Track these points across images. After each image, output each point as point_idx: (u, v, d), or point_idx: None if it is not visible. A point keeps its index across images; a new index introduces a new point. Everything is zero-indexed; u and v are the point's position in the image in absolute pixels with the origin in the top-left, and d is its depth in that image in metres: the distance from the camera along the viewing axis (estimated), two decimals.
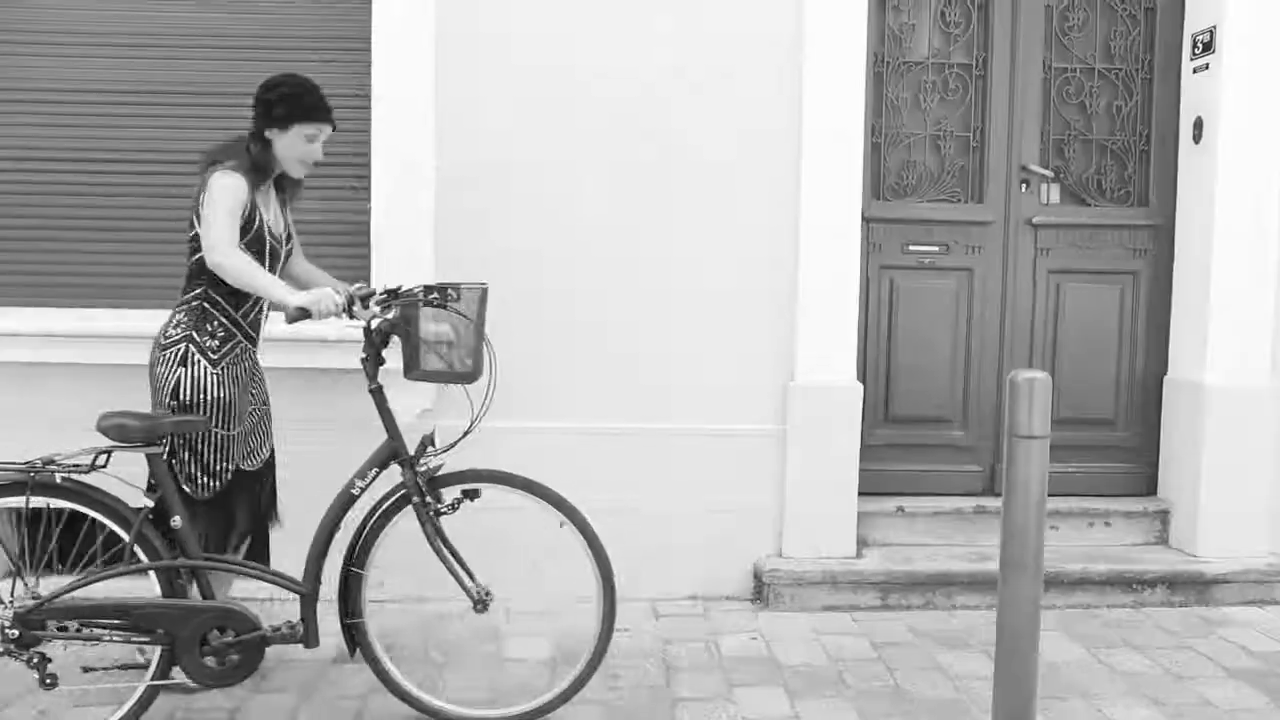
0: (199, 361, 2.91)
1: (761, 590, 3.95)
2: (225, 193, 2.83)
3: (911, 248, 4.32)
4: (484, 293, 2.84)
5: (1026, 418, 2.25)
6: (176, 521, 2.76)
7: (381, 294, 2.84)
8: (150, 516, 2.74)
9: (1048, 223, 4.34)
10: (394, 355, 2.94)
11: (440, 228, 3.93)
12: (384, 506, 2.90)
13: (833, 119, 3.95)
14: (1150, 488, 4.43)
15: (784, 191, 3.98)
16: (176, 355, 2.91)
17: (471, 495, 2.90)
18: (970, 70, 4.32)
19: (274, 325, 3.84)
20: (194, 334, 2.92)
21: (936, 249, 4.32)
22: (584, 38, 3.94)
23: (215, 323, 2.95)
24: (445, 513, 2.88)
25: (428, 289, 2.77)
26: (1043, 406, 2.24)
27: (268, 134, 2.94)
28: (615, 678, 3.28)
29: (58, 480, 2.67)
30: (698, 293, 3.99)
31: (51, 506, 2.74)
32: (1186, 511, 4.19)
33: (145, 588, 2.79)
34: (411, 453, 2.86)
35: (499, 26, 3.92)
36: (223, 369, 2.95)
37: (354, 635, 2.92)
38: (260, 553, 3.18)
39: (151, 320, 3.81)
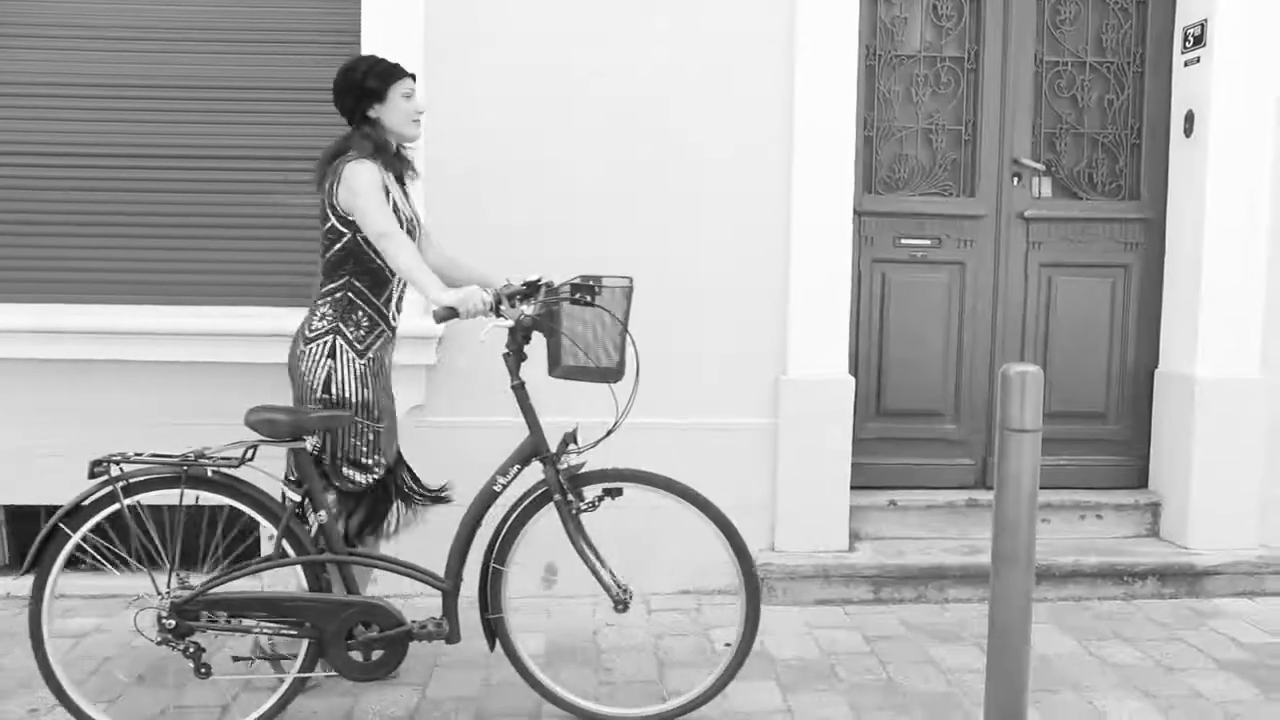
0: (346, 353, 2.94)
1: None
2: (368, 181, 2.87)
3: (903, 241, 4.31)
4: (629, 288, 2.80)
5: (1018, 411, 2.25)
6: (322, 516, 2.79)
7: (521, 285, 2.85)
8: (297, 511, 2.77)
9: (1039, 216, 4.34)
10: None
11: (430, 222, 3.91)
12: (525, 503, 2.89)
13: (825, 112, 3.95)
14: (1141, 480, 4.44)
15: (776, 186, 3.98)
16: (324, 348, 2.93)
17: (613, 494, 2.87)
18: (962, 63, 4.31)
19: (239, 320, 3.85)
20: (340, 325, 2.95)
21: (928, 242, 4.32)
22: (579, 35, 3.92)
23: (360, 313, 2.97)
24: (585, 510, 2.85)
25: (574, 285, 2.75)
26: (1034, 400, 2.24)
27: (371, 113, 2.99)
28: (608, 671, 3.28)
29: (210, 474, 2.71)
30: (691, 287, 3.98)
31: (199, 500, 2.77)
32: (1177, 504, 4.21)
33: (289, 581, 2.86)
34: (553, 450, 2.85)
35: (490, 24, 3.90)
36: (368, 360, 2.98)
37: (495, 630, 2.90)
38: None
39: (156, 316, 3.85)
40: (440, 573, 2.86)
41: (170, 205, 3.99)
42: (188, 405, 3.89)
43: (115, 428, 3.88)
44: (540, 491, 2.87)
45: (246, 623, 2.74)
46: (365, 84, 2.96)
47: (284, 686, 2.77)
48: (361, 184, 2.85)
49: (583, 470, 2.87)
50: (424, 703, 3.08)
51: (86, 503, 2.69)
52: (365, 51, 3.83)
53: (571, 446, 2.86)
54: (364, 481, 2.99)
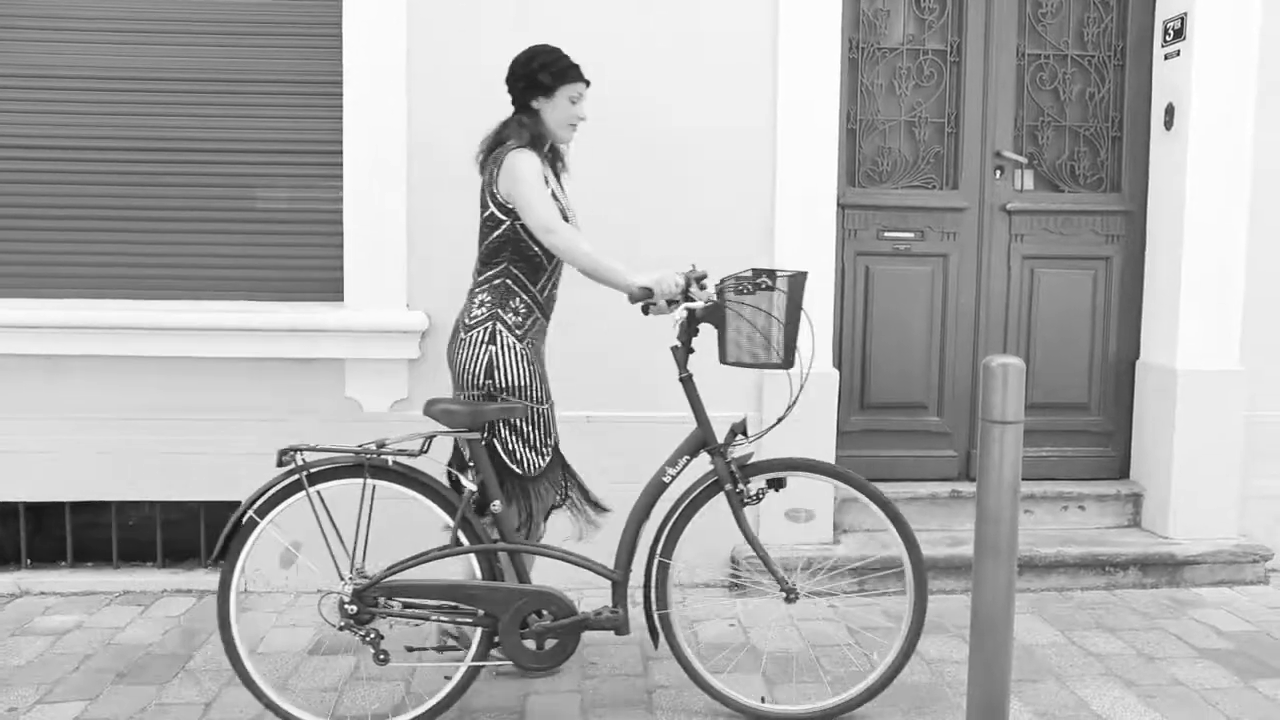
0: (506, 338, 2.94)
1: (739, 577, 3.96)
2: (531, 170, 2.87)
3: (887, 234, 4.32)
4: (804, 279, 2.81)
5: (1000, 403, 2.26)
6: (497, 506, 2.81)
7: (702, 273, 2.87)
8: (472, 501, 2.78)
9: (1022, 209, 4.36)
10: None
11: (414, 217, 3.90)
12: (692, 496, 2.88)
13: (808, 105, 3.95)
14: (1123, 471, 4.47)
15: (759, 179, 3.97)
16: (485, 334, 2.94)
17: (777, 485, 2.88)
18: (945, 56, 4.32)
19: (219, 315, 3.83)
20: (499, 311, 2.96)
21: (912, 235, 4.33)
22: (560, 31, 3.90)
23: (518, 299, 2.98)
24: (750, 502, 2.86)
25: (755, 271, 2.77)
26: (1016, 392, 2.25)
27: (534, 104, 2.99)
28: (592, 665, 3.28)
29: (390, 464, 2.73)
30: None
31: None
32: (1158, 494, 4.24)
33: (464, 570, 2.89)
34: (721, 441, 2.86)
35: (471, 20, 3.88)
36: (526, 344, 2.98)
37: (660, 626, 2.88)
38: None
39: (136, 311, 3.81)
40: (605, 564, 2.88)
41: (148, 199, 3.95)
42: (171, 401, 3.87)
43: (100, 424, 3.86)
44: (708, 483, 2.87)
45: (424, 610, 2.76)
46: (537, 75, 2.97)
47: (458, 675, 2.79)
48: (521, 174, 2.86)
49: (750, 461, 2.88)
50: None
51: (273, 491, 2.74)
52: (347, 42, 3.81)
53: (739, 438, 2.86)
54: (539, 464, 2.99)
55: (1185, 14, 4.12)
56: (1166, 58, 4.26)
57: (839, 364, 4.22)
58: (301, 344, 3.84)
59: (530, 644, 2.77)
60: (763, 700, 2.94)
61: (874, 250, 4.31)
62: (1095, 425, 4.47)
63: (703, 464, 2.89)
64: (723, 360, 2.86)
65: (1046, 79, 4.37)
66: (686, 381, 2.89)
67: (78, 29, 3.90)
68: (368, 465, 2.73)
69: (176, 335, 3.80)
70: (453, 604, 2.76)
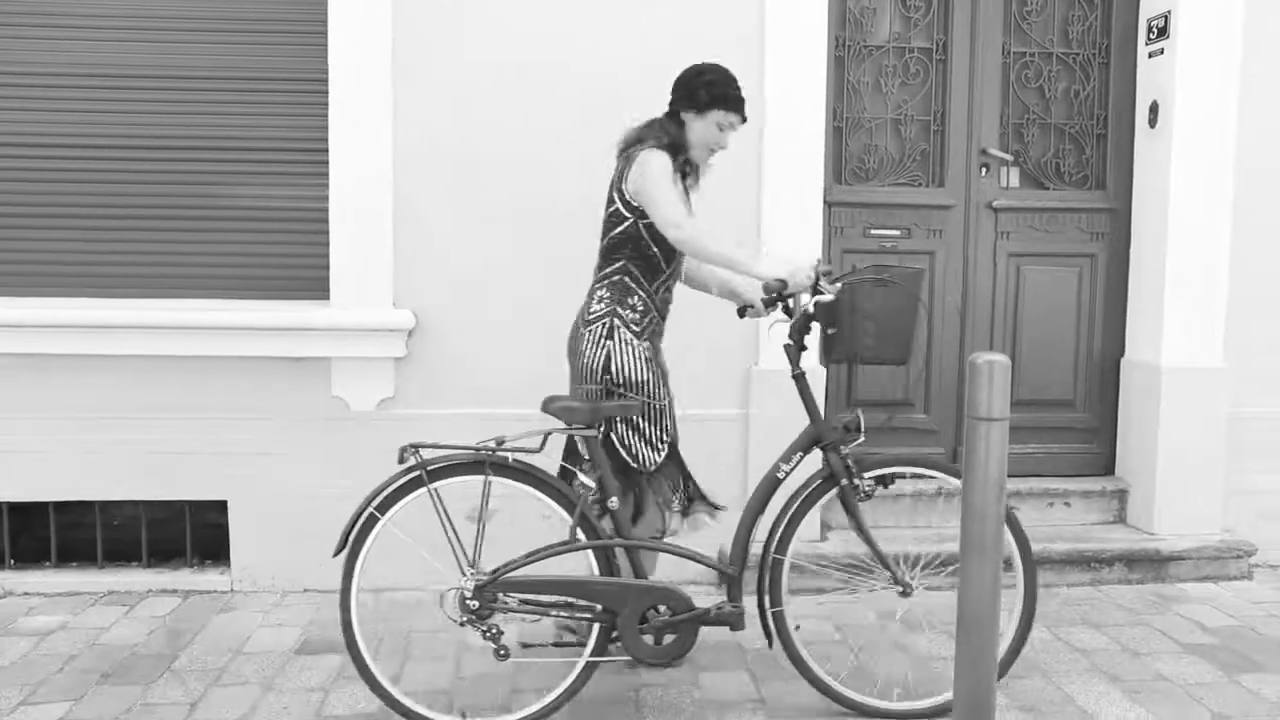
0: (624, 334, 2.97)
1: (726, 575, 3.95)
2: (662, 169, 2.90)
3: (873, 232, 4.33)
4: (921, 275, 2.86)
5: (986, 400, 2.26)
6: (614, 502, 2.83)
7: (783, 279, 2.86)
8: (595, 498, 2.81)
9: (1007, 206, 4.37)
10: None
11: (400, 216, 3.88)
12: (806, 492, 2.90)
13: (794, 103, 3.95)
14: (1108, 467, 4.49)
15: (746, 176, 3.97)
16: (603, 330, 2.98)
17: (886, 480, 2.91)
18: (930, 54, 4.33)
19: (204, 314, 3.81)
20: (617, 308, 2.99)
21: (898, 233, 4.34)
22: (547, 31, 3.90)
23: (635, 297, 3.01)
24: (863, 498, 2.89)
25: (875, 268, 2.81)
26: (1002, 388, 2.25)
27: (684, 116, 3.02)
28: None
29: (510, 461, 2.76)
30: None
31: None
32: (1143, 491, 4.26)
33: (579, 565, 2.90)
34: (834, 438, 2.89)
35: (456, 19, 3.87)
36: (644, 341, 3.01)
37: (774, 623, 2.89)
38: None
39: (142, 310, 3.78)
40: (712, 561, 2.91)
41: (133, 197, 3.93)
42: (156, 400, 3.85)
43: (84, 424, 3.84)
44: (822, 480, 2.89)
45: (542, 606, 2.78)
46: (698, 90, 3.00)
47: (576, 670, 2.80)
48: (652, 172, 2.89)
49: (864, 457, 2.91)
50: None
51: (393, 488, 2.76)
52: (333, 40, 3.80)
53: (851, 435, 2.89)
54: (655, 460, 3.00)
55: (1169, 12, 4.14)
56: (1150, 56, 4.28)
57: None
58: (287, 342, 3.83)
59: (648, 639, 2.78)
60: (896, 696, 2.95)
61: (861, 248, 4.31)
62: (1081, 422, 4.49)
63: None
64: (829, 359, 2.89)
65: (1032, 77, 4.38)
66: (800, 379, 2.92)
67: (61, 26, 3.87)
68: (488, 462, 2.75)
69: (161, 334, 3.78)
70: (571, 600, 2.78)
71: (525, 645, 2.90)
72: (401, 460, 2.73)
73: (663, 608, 2.78)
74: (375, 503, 2.76)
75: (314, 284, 3.96)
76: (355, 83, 3.81)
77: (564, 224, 3.94)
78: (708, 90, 3.00)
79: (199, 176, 3.93)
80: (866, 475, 2.88)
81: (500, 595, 2.75)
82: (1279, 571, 4.24)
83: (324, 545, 3.88)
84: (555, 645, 2.94)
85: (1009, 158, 4.36)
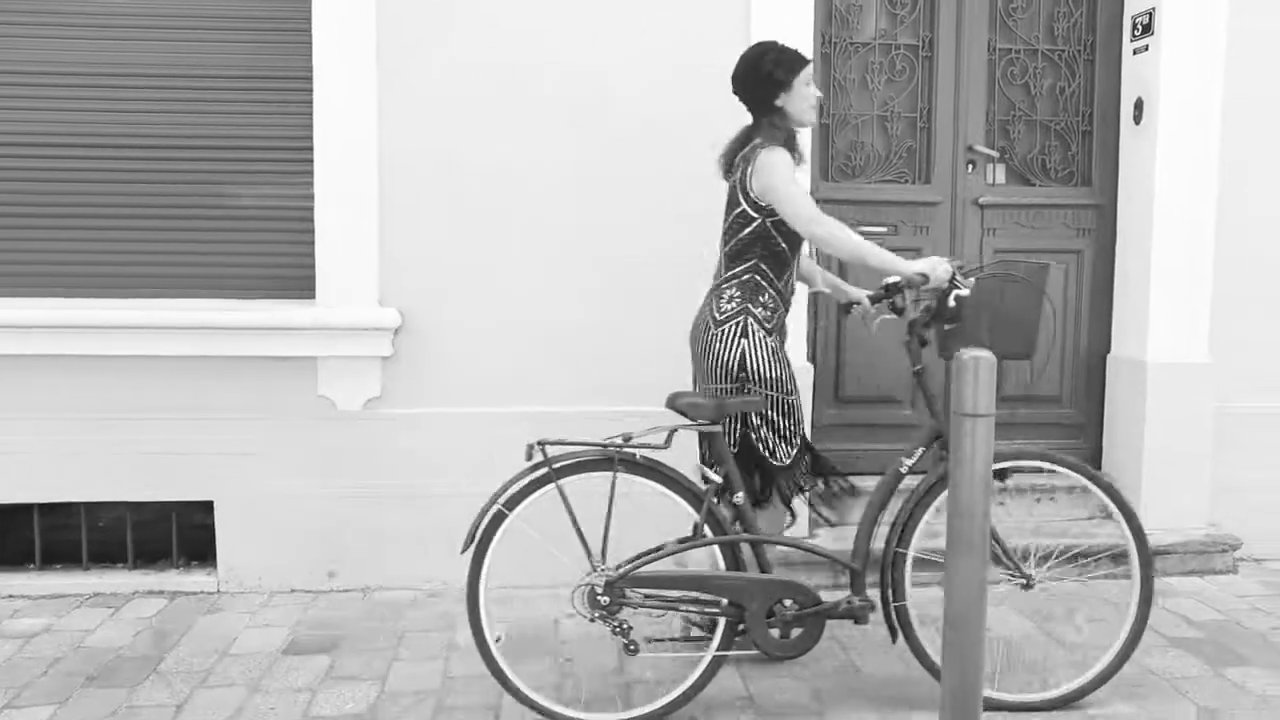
0: (756, 332, 3.01)
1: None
2: (785, 167, 2.95)
3: (861, 228, 4.29)
4: (1049, 270, 2.91)
5: (972, 396, 2.26)
6: (740, 498, 2.86)
7: (895, 282, 2.93)
8: (716, 493, 2.84)
9: (994, 203, 4.38)
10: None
11: (386, 214, 3.87)
12: (928, 486, 2.93)
13: None
14: (1095, 463, 4.50)
15: None
16: (736, 329, 3.01)
17: (1001, 475, 2.97)
18: (917, 51, 4.33)
19: (189, 313, 3.79)
20: (749, 306, 3.03)
21: (885, 230, 4.34)
22: (533, 28, 3.89)
23: (765, 294, 3.06)
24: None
25: (1005, 265, 2.86)
26: (988, 385, 2.25)
27: (778, 102, 3.04)
28: (568, 661, 3.27)
29: (638, 458, 2.79)
30: (649, 277, 3.97)
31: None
32: (1129, 486, 4.27)
33: (706, 561, 2.96)
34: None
35: (444, 16, 3.85)
36: (774, 337, 3.06)
37: (897, 617, 2.91)
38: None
39: (126, 310, 3.76)
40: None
41: (117, 196, 3.91)
42: (140, 401, 3.83)
43: (68, 425, 3.81)
44: (941, 473, 2.90)
45: (670, 601, 2.80)
46: (775, 75, 3.01)
47: (703, 665, 2.82)
48: (777, 171, 2.93)
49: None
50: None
51: (520, 485, 2.79)
52: (317, 38, 3.78)
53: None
54: (789, 453, 3.05)
55: (1153, 9, 4.16)
56: (1135, 52, 4.29)
57: (813, 358, 4.23)
58: (273, 342, 3.81)
59: (775, 633, 2.82)
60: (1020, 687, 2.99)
61: None
62: (1067, 418, 4.50)
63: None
64: (948, 354, 2.88)
65: (1017, 73, 4.39)
66: (920, 374, 2.97)
67: (43, 25, 3.84)
68: (617, 459, 2.77)
69: (146, 334, 3.76)
70: (698, 595, 2.80)
71: (649, 640, 2.91)
72: (529, 457, 2.75)
73: (789, 601, 2.81)
74: (503, 499, 2.78)
75: (300, 283, 3.94)
76: (340, 81, 3.80)
77: (552, 223, 3.93)
78: (782, 66, 3.03)
79: (183, 176, 3.91)
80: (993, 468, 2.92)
81: (628, 590, 2.77)
82: (1264, 565, 4.25)
83: (311, 545, 3.90)
84: (683, 640, 3.00)
85: (995, 154, 4.37)
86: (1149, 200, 4.19)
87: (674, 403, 2.87)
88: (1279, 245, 4.27)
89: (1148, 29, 4.20)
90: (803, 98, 3.05)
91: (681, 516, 2.87)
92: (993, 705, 2.88)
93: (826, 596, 2.89)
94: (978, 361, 2.25)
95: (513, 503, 2.79)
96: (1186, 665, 3.26)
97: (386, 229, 3.87)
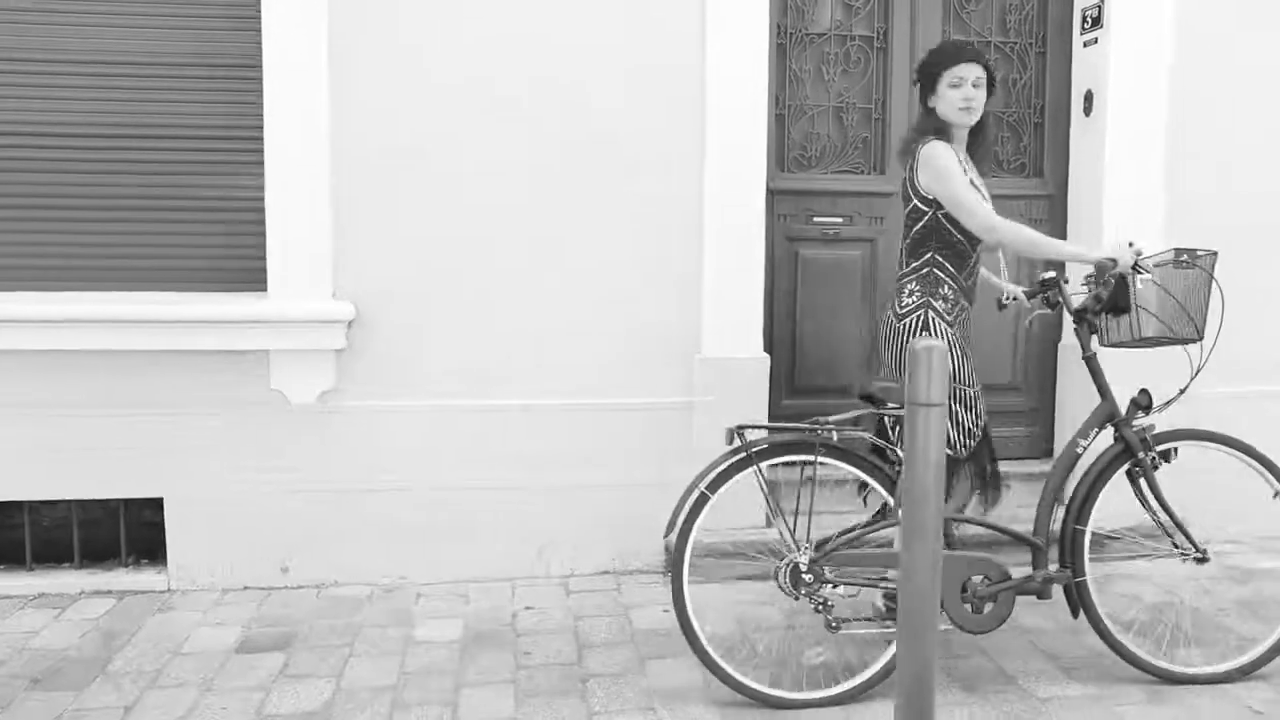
0: (939, 325, 3.08)
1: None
2: (949, 161, 3.02)
3: (816, 219, 4.35)
4: (1216, 257, 2.98)
5: (925, 385, 2.27)
6: None
7: (1051, 277, 3.09)
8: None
9: None
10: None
11: (340, 204, 3.81)
12: (1104, 465, 3.05)
13: (737, 91, 3.95)
14: (1048, 450, 4.57)
15: (689, 164, 3.97)
16: (917, 322, 3.09)
17: (1167, 455, 3.07)
18: (871, 43, 4.35)
19: (137, 307, 3.71)
20: (930, 300, 3.10)
21: (841, 220, 4.36)
22: (484, 19, 3.85)
23: (945, 287, 3.12)
24: (1156, 468, 3.05)
25: (1177, 252, 2.96)
26: (940, 374, 2.26)
27: (930, 103, 3.15)
28: (526, 655, 3.25)
29: (836, 441, 2.87)
30: (606, 267, 3.96)
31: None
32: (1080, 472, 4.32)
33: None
34: (1124, 414, 3.05)
35: (396, 1, 3.81)
36: (956, 329, 3.11)
37: (1077, 592, 3.02)
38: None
39: (72, 304, 3.67)
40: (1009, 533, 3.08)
41: (62, 187, 3.81)
42: (88, 396, 3.75)
43: (12, 421, 3.72)
44: (1116, 452, 3.05)
45: (864, 578, 2.91)
46: (920, 80, 3.18)
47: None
48: (939, 166, 3.01)
49: (1153, 432, 3.06)
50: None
51: (722, 468, 2.87)
52: (266, 24, 3.71)
53: (1140, 412, 3.04)
54: (969, 445, 3.13)
55: (1102, 2, 4.21)
56: (1085, 45, 4.34)
57: (769, 348, 4.24)
58: (224, 335, 3.75)
59: (968, 608, 2.91)
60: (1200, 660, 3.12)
61: (803, 235, 4.33)
62: (1020, 405, 4.56)
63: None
64: (1111, 341, 3.08)
65: None
66: (1091, 360, 3.07)
67: None
68: (819, 443, 2.86)
69: (93, 328, 3.67)
70: (894, 572, 2.87)
71: (832, 624, 2.95)
72: (729, 441, 2.83)
73: (979, 577, 2.91)
74: (705, 483, 2.86)
75: (251, 275, 3.88)
76: (291, 69, 3.73)
77: (511, 218, 3.90)
78: (921, 70, 3.16)
79: (130, 166, 3.82)
80: (1162, 447, 3.05)
81: (829, 570, 2.87)
82: (1209, 547, 4.33)
83: (265, 541, 3.84)
84: (883, 617, 3.09)
85: None
86: (1098, 192, 4.24)
87: (866, 389, 2.98)
88: (1223, 235, 4.34)
89: (1097, 22, 4.25)
90: (946, 100, 3.11)
91: (846, 497, 3.09)
92: (1183, 680, 3.05)
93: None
94: (930, 351, 2.26)
95: (714, 485, 2.87)
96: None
97: (341, 221, 3.81)
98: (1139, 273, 2.93)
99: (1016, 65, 4.45)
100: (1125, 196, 4.22)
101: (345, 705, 2.92)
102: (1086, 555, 3.03)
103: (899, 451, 2.95)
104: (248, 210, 3.85)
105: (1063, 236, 4.48)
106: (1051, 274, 3.08)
